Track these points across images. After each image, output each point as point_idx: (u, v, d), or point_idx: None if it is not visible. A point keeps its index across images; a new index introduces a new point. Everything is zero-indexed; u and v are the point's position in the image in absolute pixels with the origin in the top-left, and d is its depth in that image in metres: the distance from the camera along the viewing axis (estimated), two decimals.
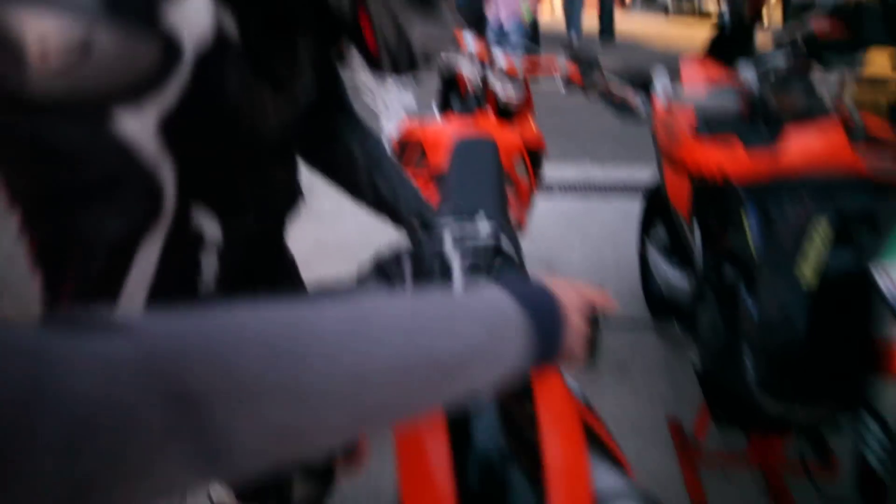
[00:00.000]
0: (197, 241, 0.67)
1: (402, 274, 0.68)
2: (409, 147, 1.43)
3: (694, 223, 1.41)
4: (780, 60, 1.37)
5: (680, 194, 1.44)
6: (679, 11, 10.88)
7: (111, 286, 0.58)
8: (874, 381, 0.83)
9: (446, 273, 0.68)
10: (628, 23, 10.54)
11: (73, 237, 0.57)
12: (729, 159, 0.83)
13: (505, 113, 1.54)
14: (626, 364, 2.01)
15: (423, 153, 1.40)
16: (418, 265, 0.71)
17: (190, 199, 0.62)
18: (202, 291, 0.69)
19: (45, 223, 0.59)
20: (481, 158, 1.20)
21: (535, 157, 1.54)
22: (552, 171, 3.61)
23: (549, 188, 3.42)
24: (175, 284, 0.65)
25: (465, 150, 1.22)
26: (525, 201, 1.49)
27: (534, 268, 2.57)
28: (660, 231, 1.83)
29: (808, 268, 0.90)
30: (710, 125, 1.19)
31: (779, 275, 0.95)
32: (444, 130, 1.34)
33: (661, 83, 1.41)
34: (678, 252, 1.61)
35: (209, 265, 0.69)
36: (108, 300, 0.58)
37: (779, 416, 1.00)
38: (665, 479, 1.56)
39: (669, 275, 1.57)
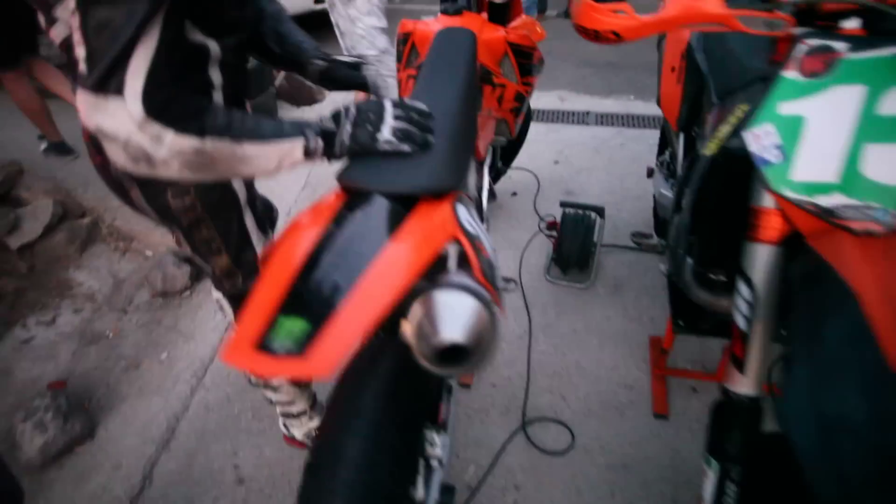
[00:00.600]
0: (203, 53, 0.83)
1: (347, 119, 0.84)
2: (405, 45, 1.47)
3: (680, 133, 1.39)
4: None
5: (671, 105, 1.42)
6: None
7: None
8: (746, 246, 0.85)
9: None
10: None
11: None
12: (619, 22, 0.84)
13: (499, 15, 1.51)
14: (622, 284, 2.04)
15: (416, 50, 1.44)
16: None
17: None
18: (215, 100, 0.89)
19: None
20: (455, 48, 1.22)
21: (524, 59, 1.51)
22: (591, 102, 3.53)
23: (587, 115, 3.35)
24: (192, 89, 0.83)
25: (442, 40, 1.25)
26: (508, 99, 1.49)
27: (553, 187, 2.59)
28: (666, 155, 1.80)
29: (714, 142, 0.91)
30: None
31: (698, 157, 0.96)
32: (432, 26, 1.36)
33: None
34: (671, 168, 1.59)
35: (216, 76, 0.88)
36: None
37: (710, 309, 1.03)
38: (637, 388, 1.63)
39: (663, 192, 1.56)
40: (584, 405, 1.60)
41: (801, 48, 0.78)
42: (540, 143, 2.95)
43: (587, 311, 1.92)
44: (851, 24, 0.80)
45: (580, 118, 3.31)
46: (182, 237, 1.03)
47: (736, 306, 0.85)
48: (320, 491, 0.78)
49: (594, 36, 0.91)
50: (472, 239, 0.80)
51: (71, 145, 3.14)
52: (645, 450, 1.47)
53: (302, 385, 1.35)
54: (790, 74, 0.78)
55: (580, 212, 2.00)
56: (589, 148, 2.97)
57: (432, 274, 0.78)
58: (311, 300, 0.55)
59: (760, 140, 0.77)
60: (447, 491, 1.05)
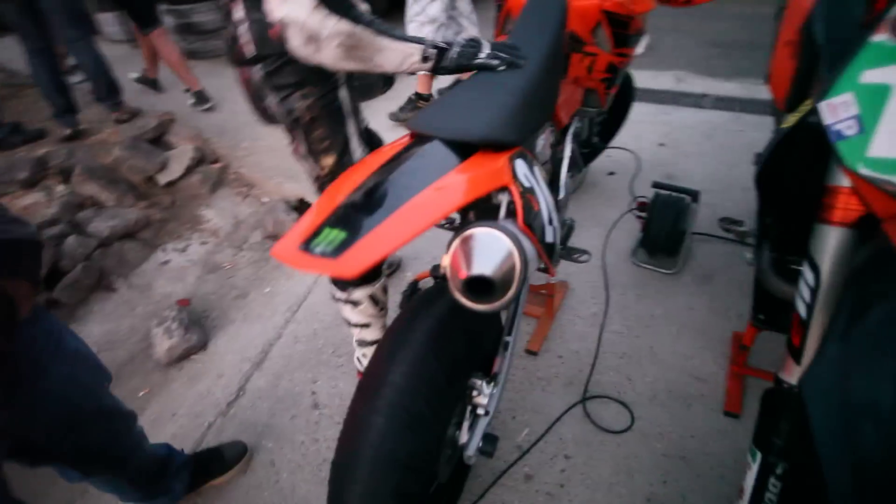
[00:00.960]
0: None
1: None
2: (500, 12, 1.49)
3: (785, 114, 1.28)
4: None
5: (780, 83, 1.30)
6: None
7: None
8: (815, 229, 0.78)
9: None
10: None
11: None
12: None
13: None
14: (712, 275, 1.93)
15: (510, 18, 1.45)
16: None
17: None
18: None
19: None
20: (543, 14, 1.22)
21: (620, 28, 1.46)
22: (711, 84, 3.27)
23: (703, 97, 3.12)
24: None
25: (532, 6, 1.25)
26: (599, 69, 1.45)
27: (654, 170, 2.48)
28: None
29: (795, 116, 0.85)
30: None
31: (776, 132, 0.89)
32: None
33: None
34: None
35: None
36: None
37: (789, 301, 0.98)
38: (710, 382, 1.57)
39: None
40: (650, 390, 1.57)
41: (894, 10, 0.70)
42: (647, 123, 2.82)
43: (669, 298, 1.86)
44: None
45: (695, 101, 3.10)
46: (301, 136, 1.21)
47: (798, 292, 0.81)
48: (365, 407, 0.88)
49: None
50: (525, 191, 0.84)
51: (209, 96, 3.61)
52: (708, 445, 1.42)
53: (379, 306, 1.46)
54: (880, 38, 0.70)
55: (672, 194, 1.91)
56: (700, 132, 2.79)
57: (480, 216, 0.83)
58: (354, 217, 0.63)
59: (837, 111, 0.71)
60: (490, 440, 1.11)
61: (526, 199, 0.83)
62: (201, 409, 1.67)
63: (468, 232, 0.72)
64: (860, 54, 0.72)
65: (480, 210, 0.92)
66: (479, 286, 0.70)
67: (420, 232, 0.65)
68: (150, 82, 3.92)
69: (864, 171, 0.70)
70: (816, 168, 0.80)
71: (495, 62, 1.04)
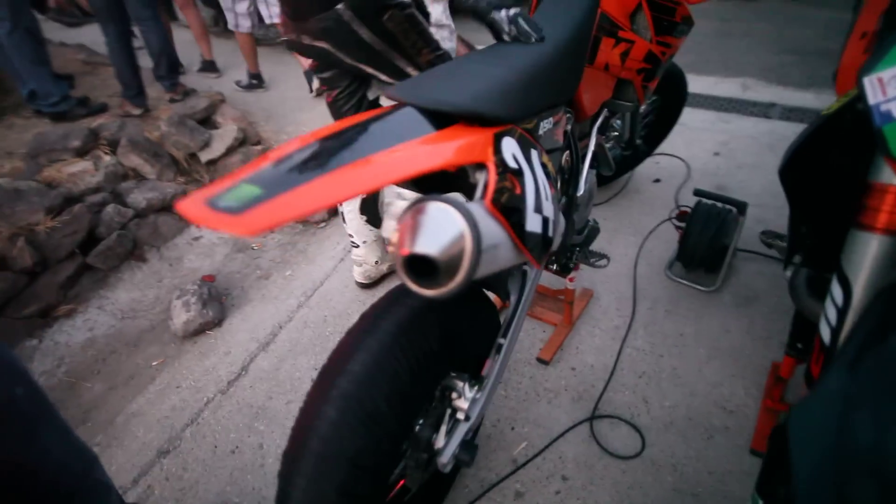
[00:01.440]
0: None
1: None
2: None
3: None
4: None
5: (847, 78, 1.13)
6: None
7: None
8: (850, 235, 0.64)
9: None
10: None
11: None
12: None
13: None
14: (755, 297, 1.75)
15: None
16: None
17: None
18: None
19: None
20: None
21: (663, 14, 1.32)
22: (782, 94, 3.00)
23: (771, 107, 2.87)
24: None
25: None
26: (636, 58, 1.32)
27: (705, 180, 2.29)
28: None
29: (839, 102, 0.70)
30: None
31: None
32: None
33: None
34: None
35: None
36: None
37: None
38: (737, 415, 1.41)
39: None
40: (668, 415, 1.42)
41: None
42: (702, 130, 2.62)
43: (703, 317, 1.69)
44: None
45: (762, 110, 2.85)
46: (395, 51, 1.34)
47: (824, 312, 0.67)
48: (319, 396, 0.82)
49: None
50: (507, 171, 0.74)
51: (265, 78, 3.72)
52: (727, 484, 1.27)
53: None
54: None
55: (717, 204, 1.74)
56: (762, 143, 2.56)
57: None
58: (279, 175, 0.56)
59: (886, 87, 0.58)
60: (468, 448, 1.03)
61: (504, 180, 0.73)
62: (204, 384, 1.67)
63: (420, 204, 0.64)
64: None
65: (455, 188, 0.84)
66: (423, 267, 0.62)
67: (352, 195, 0.58)
68: (208, 65, 4.07)
69: None
70: (859, 163, 0.67)
71: (505, 24, 1.01)
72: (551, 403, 1.48)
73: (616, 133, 1.98)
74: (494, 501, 1.27)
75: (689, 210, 1.80)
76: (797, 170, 0.82)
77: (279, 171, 0.56)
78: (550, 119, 0.99)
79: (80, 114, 2.96)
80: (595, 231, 1.49)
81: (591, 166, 1.37)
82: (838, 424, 0.44)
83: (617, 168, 2.26)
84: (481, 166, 0.74)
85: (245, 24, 3.52)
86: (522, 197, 0.77)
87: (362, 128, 0.70)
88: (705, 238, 1.69)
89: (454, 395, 1.05)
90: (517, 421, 1.44)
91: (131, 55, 3.01)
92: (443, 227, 0.62)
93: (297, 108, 3.42)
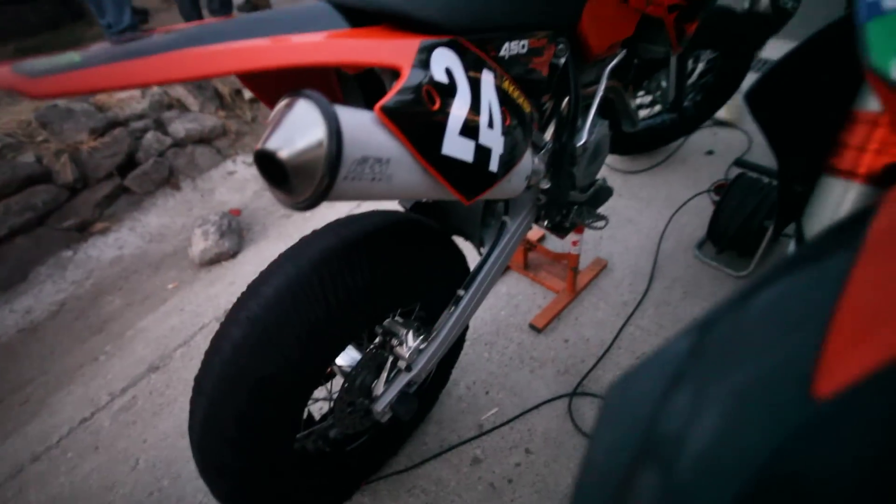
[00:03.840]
0: None
1: None
2: None
3: None
4: None
5: None
6: None
7: None
8: (819, 184, 0.49)
9: None
10: None
11: None
12: None
13: None
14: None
15: None
16: None
17: None
18: None
19: None
20: None
21: None
22: None
23: None
24: None
25: None
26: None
27: (768, 155, 2.02)
28: None
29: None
30: None
31: None
32: None
33: None
34: None
35: None
36: None
37: None
38: None
39: None
40: None
41: None
42: None
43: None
44: None
45: None
46: None
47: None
48: (231, 316, 0.79)
49: None
50: (428, 84, 0.64)
51: None
52: None
53: None
54: None
55: (762, 178, 1.51)
56: None
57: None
58: (122, 49, 0.49)
59: None
60: (404, 400, 0.97)
61: (415, 91, 0.63)
62: (204, 310, 1.72)
63: (291, 97, 0.56)
64: None
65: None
66: (277, 169, 0.55)
67: (191, 77, 0.51)
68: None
69: None
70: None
71: None
72: (534, 373, 1.38)
73: (660, 92, 1.76)
74: (450, 463, 1.21)
75: (727, 183, 1.58)
76: (777, 101, 0.66)
77: (128, 45, 0.50)
78: (524, 42, 0.86)
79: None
80: (605, 192, 1.34)
81: (602, 116, 1.21)
82: (655, 402, 0.33)
83: (663, 134, 2.03)
84: (396, 73, 0.64)
85: None
86: (440, 114, 0.67)
87: (262, 16, 0.62)
88: (740, 216, 1.48)
89: (394, 341, 0.99)
90: (493, 386, 1.36)
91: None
92: (300, 127, 0.54)
93: None
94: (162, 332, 1.67)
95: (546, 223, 1.25)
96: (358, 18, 0.67)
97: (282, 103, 0.57)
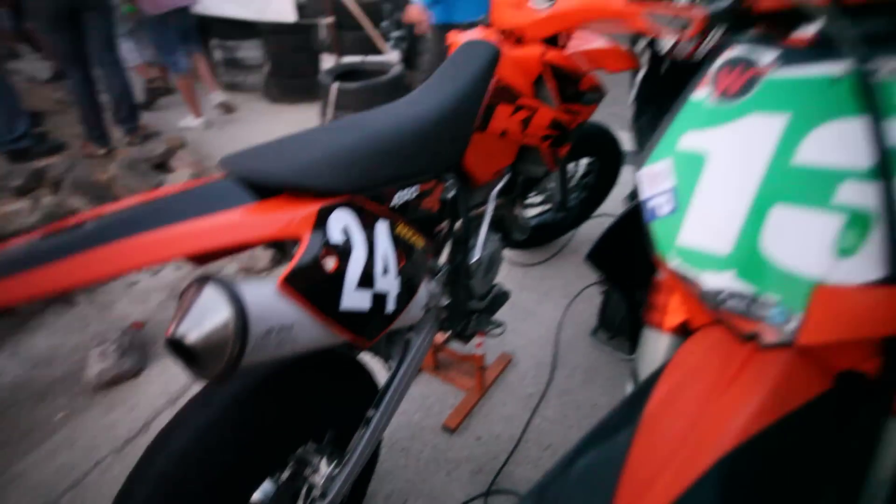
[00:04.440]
0: None
1: None
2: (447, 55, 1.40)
3: None
4: None
5: None
6: None
7: None
8: (641, 334, 0.62)
9: None
10: None
11: None
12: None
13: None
14: None
15: None
16: None
17: None
18: None
19: None
20: (467, 59, 1.13)
21: (568, 83, 1.33)
22: None
23: None
24: None
25: (460, 52, 1.17)
26: (540, 125, 1.32)
27: None
28: None
29: None
30: None
31: None
32: (467, 37, 1.28)
33: None
34: None
35: None
36: None
37: None
38: None
39: None
40: None
41: (718, 61, 0.57)
42: None
43: (620, 386, 1.64)
44: (804, 32, 0.55)
45: None
46: None
47: None
48: (137, 472, 0.78)
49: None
50: (326, 247, 0.72)
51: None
52: None
53: None
54: (700, 95, 0.56)
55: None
56: None
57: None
58: (36, 249, 0.53)
59: (654, 183, 0.57)
60: None
61: (314, 258, 0.71)
62: (99, 442, 1.60)
63: (191, 284, 0.61)
64: (680, 113, 0.58)
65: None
66: (185, 350, 0.59)
67: (108, 276, 0.55)
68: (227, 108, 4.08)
69: (673, 262, 0.55)
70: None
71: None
72: (450, 475, 1.41)
73: (549, 193, 1.98)
74: None
75: None
76: (614, 256, 0.80)
77: (44, 244, 0.54)
78: (415, 188, 0.98)
79: (39, 151, 2.98)
80: (502, 297, 1.46)
81: (494, 229, 1.36)
82: None
83: (555, 229, 2.26)
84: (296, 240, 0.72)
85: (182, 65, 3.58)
86: (339, 274, 0.74)
87: (172, 198, 0.68)
88: (624, 304, 1.66)
89: (308, 470, 1.00)
90: (411, 494, 1.37)
91: (93, 97, 3.06)
92: (207, 311, 0.60)
93: None
94: (45, 475, 1.52)
95: (448, 335, 1.34)
96: (261, 189, 0.74)
97: (188, 289, 0.62)
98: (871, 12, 0.51)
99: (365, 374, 1.10)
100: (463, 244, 1.23)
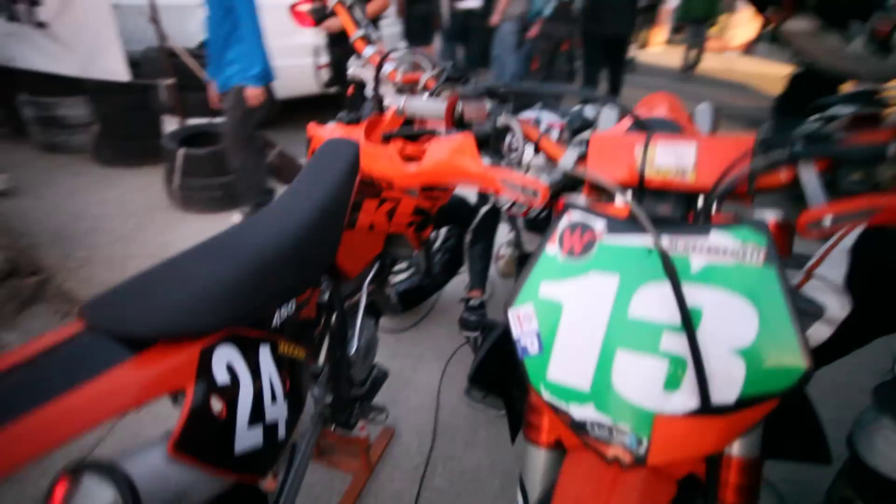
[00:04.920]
0: None
1: None
2: (308, 148, 1.43)
3: None
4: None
5: None
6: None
7: None
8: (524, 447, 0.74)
9: None
10: (747, 65, 9.87)
11: None
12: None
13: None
14: None
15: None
16: None
17: None
18: None
19: None
20: (329, 160, 1.17)
21: None
22: None
23: None
24: None
25: (322, 151, 1.20)
26: (404, 213, 1.41)
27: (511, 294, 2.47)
28: None
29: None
30: None
31: None
32: (330, 133, 1.32)
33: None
34: None
35: None
36: None
37: None
38: None
39: None
40: None
41: (563, 222, 0.69)
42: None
43: (499, 444, 1.75)
44: (620, 201, 0.70)
45: None
46: None
47: None
48: None
49: (372, 180, 0.88)
50: (213, 392, 0.70)
51: None
52: None
53: None
54: (552, 250, 0.69)
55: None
56: None
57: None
58: None
59: (522, 323, 0.67)
60: None
61: (204, 408, 0.69)
62: None
63: (63, 478, 0.56)
64: (538, 262, 0.69)
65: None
66: None
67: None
68: None
69: (546, 395, 0.65)
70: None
71: None
72: None
73: (412, 263, 2.08)
74: None
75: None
76: (491, 376, 0.90)
77: None
78: (292, 303, 0.98)
79: None
80: (382, 377, 1.50)
81: (369, 316, 1.39)
82: None
83: (421, 293, 2.36)
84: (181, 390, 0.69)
85: None
86: (230, 419, 0.72)
87: (33, 364, 0.61)
88: (493, 361, 1.79)
89: None
90: None
91: None
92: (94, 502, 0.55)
93: (96, 228, 3.09)
94: None
95: (333, 427, 1.34)
96: (134, 341, 0.69)
97: (59, 484, 0.56)
98: (664, 196, 0.67)
99: (257, 493, 1.05)
100: (340, 339, 1.25)
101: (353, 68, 1.51)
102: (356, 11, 1.60)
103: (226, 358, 0.76)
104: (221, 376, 0.74)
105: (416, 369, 2.06)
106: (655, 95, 0.87)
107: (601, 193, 0.73)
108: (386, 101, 1.44)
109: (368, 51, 1.47)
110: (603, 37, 4.74)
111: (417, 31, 5.61)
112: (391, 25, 5.47)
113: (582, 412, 0.62)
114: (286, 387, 0.88)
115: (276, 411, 0.84)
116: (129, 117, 3.93)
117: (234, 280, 0.82)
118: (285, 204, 1.11)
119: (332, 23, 3.29)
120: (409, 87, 1.45)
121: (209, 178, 3.29)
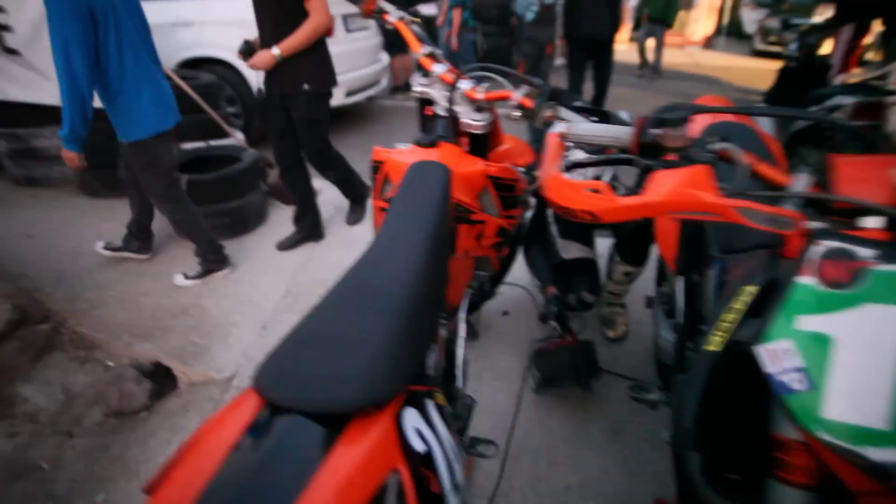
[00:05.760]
0: None
1: None
2: (378, 173, 1.37)
3: (678, 276, 1.26)
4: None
5: (667, 241, 1.29)
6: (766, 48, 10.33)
7: None
8: (770, 488, 0.69)
9: None
10: (709, 58, 10.21)
11: None
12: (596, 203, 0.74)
13: (478, 146, 1.43)
14: (621, 427, 1.83)
15: (389, 181, 1.34)
16: None
17: None
18: None
19: None
20: (426, 185, 1.11)
21: (507, 191, 1.41)
22: None
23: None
24: None
25: (413, 176, 1.14)
26: (489, 235, 1.37)
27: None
28: (666, 287, 1.66)
29: (718, 335, 0.77)
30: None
31: (700, 351, 0.81)
32: (406, 157, 1.27)
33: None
34: (670, 305, 1.44)
35: None
36: None
37: None
38: None
39: (664, 335, 1.41)
40: None
41: (817, 250, 0.65)
42: None
43: (583, 461, 1.71)
44: (872, 224, 0.67)
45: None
46: None
47: None
48: None
49: (568, 213, 0.80)
50: (419, 464, 0.63)
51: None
52: None
53: None
54: (807, 281, 0.65)
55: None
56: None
57: None
58: None
59: (778, 359, 0.63)
60: None
61: (420, 476, 0.62)
62: None
63: None
64: (791, 296, 0.65)
65: None
66: None
67: None
68: None
69: (825, 436, 0.60)
70: (756, 403, 0.71)
71: None
72: None
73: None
74: None
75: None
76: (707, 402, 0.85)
77: None
78: (434, 347, 0.91)
79: None
80: (472, 406, 1.43)
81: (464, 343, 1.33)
82: None
83: (472, 307, 2.31)
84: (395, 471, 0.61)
85: None
86: (441, 492, 0.66)
87: (263, 446, 0.54)
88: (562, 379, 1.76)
89: None
90: None
91: None
92: None
93: (97, 265, 2.90)
94: None
95: None
96: (331, 419, 0.61)
97: None
98: None
99: None
100: (452, 374, 1.19)
101: (419, 87, 1.46)
102: (416, 28, 1.55)
103: (412, 424, 0.68)
104: (418, 445, 0.66)
105: (478, 390, 2.00)
106: (707, 97, 0.85)
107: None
108: (463, 119, 1.39)
109: (439, 68, 1.42)
110: (585, 39, 4.77)
111: (394, 41, 5.60)
112: (372, 37, 5.41)
113: (882, 455, 0.58)
114: (454, 439, 0.81)
115: (459, 467, 0.77)
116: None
117: (399, 333, 0.73)
118: (395, 235, 1.00)
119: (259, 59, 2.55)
120: (489, 105, 1.40)
121: (216, 205, 3.14)
